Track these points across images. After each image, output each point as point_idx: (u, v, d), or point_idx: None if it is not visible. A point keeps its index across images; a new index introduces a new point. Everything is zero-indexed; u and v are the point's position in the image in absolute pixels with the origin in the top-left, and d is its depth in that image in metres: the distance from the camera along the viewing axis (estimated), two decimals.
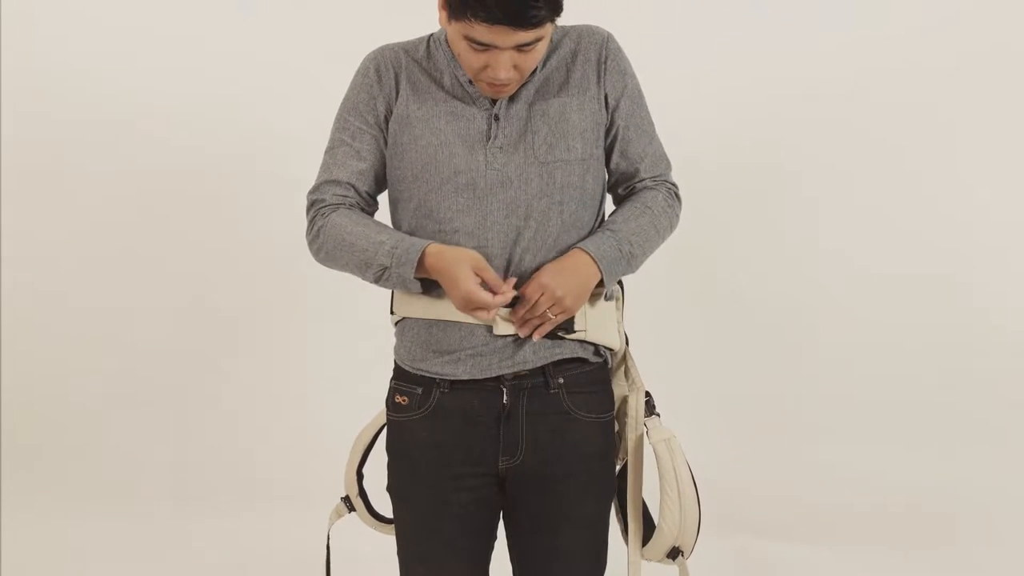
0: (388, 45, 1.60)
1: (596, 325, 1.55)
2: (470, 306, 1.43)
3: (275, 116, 3.11)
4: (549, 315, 1.46)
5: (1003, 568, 2.73)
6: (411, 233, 1.54)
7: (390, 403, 1.61)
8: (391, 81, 1.56)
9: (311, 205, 1.59)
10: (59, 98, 3.14)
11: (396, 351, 1.60)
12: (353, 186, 1.58)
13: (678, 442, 1.60)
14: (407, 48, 1.58)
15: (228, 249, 3.17)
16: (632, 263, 1.56)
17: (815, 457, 3.02)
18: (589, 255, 1.50)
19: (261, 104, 3.13)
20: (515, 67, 1.43)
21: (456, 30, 1.40)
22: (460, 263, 1.42)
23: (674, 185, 1.67)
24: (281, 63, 3.12)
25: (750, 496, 2.96)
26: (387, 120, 1.56)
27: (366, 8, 3.03)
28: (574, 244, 1.52)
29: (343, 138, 1.58)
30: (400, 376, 1.59)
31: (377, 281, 1.51)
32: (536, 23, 1.35)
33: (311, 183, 1.61)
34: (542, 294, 1.45)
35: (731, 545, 2.87)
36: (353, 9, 3.05)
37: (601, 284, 1.51)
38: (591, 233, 1.56)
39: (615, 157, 1.61)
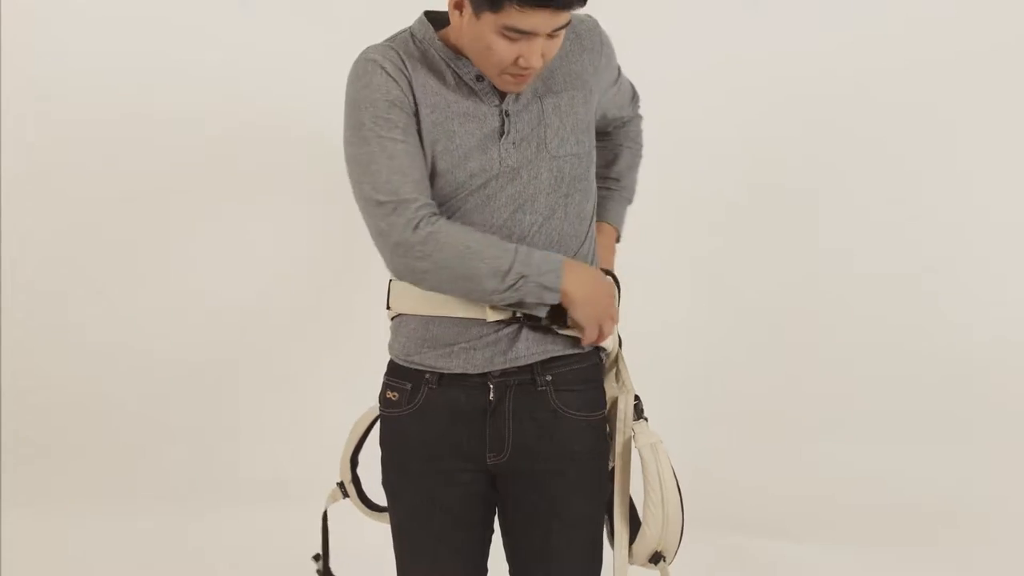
0: (375, 46, 1.52)
1: None
2: (608, 315, 1.51)
3: (286, 115, 3.15)
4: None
5: (995, 566, 2.77)
6: None
7: (382, 399, 1.63)
8: (406, 78, 1.49)
9: (401, 204, 1.42)
10: (78, 98, 3.18)
11: (390, 346, 1.61)
12: (429, 188, 1.48)
13: (664, 447, 1.60)
14: (396, 47, 1.51)
15: (235, 250, 3.22)
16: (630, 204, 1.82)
17: (808, 456, 3.10)
18: (615, 229, 1.77)
19: (277, 104, 3.18)
20: (543, 55, 1.43)
21: (490, 23, 1.38)
22: (605, 283, 1.54)
23: (638, 97, 1.86)
24: (298, 65, 3.13)
25: (742, 493, 3.03)
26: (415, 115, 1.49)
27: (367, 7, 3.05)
28: (604, 219, 1.73)
29: (392, 136, 1.45)
30: (392, 372, 1.62)
31: (505, 292, 1.44)
32: (571, 5, 1.38)
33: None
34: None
35: (724, 543, 2.91)
36: (355, 7, 3.07)
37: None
38: (593, 214, 1.63)
39: (608, 110, 1.75)
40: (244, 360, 3.27)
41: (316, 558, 1.84)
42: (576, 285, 1.46)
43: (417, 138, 1.47)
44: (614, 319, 1.53)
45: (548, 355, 1.54)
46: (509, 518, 1.62)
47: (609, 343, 1.62)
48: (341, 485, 1.79)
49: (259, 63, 3.16)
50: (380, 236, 1.44)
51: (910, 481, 3.02)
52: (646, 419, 1.64)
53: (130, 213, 3.22)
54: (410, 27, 1.54)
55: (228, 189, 3.20)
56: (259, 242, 3.19)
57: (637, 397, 1.64)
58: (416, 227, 1.42)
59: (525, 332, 1.53)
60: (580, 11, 1.47)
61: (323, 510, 1.82)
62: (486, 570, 1.66)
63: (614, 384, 1.66)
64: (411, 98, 1.47)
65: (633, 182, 1.81)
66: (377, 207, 1.43)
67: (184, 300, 3.24)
